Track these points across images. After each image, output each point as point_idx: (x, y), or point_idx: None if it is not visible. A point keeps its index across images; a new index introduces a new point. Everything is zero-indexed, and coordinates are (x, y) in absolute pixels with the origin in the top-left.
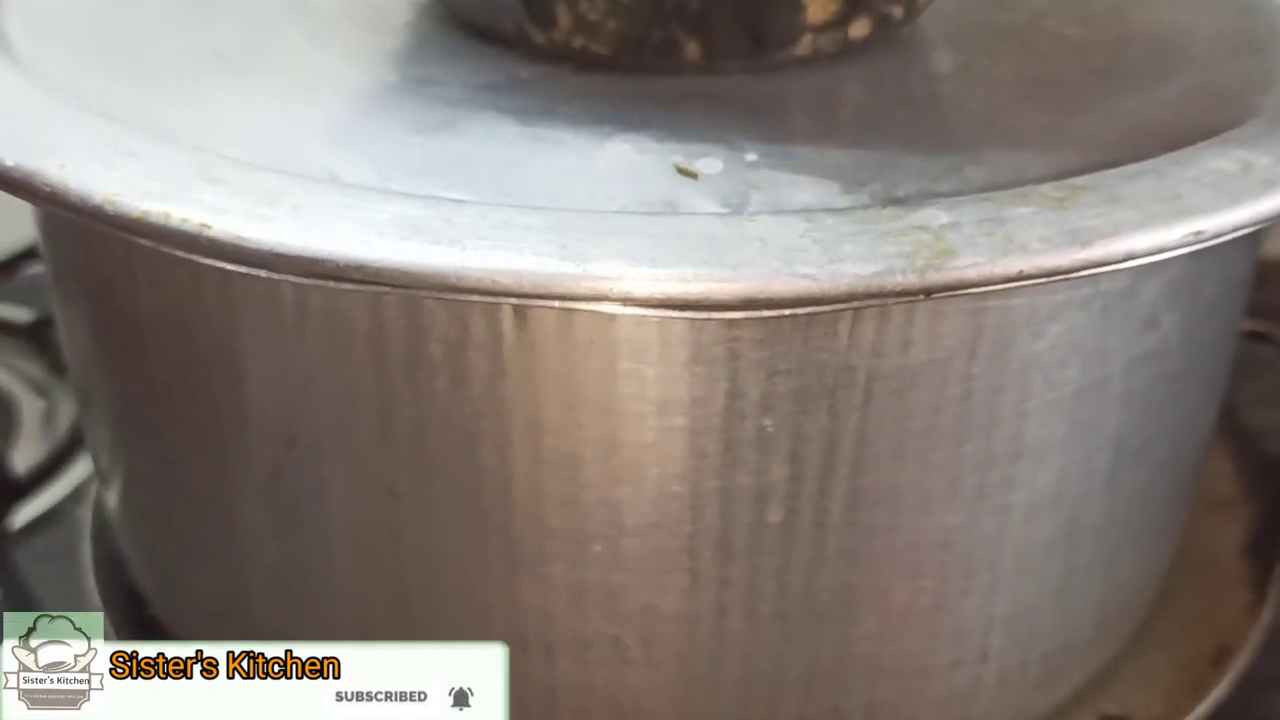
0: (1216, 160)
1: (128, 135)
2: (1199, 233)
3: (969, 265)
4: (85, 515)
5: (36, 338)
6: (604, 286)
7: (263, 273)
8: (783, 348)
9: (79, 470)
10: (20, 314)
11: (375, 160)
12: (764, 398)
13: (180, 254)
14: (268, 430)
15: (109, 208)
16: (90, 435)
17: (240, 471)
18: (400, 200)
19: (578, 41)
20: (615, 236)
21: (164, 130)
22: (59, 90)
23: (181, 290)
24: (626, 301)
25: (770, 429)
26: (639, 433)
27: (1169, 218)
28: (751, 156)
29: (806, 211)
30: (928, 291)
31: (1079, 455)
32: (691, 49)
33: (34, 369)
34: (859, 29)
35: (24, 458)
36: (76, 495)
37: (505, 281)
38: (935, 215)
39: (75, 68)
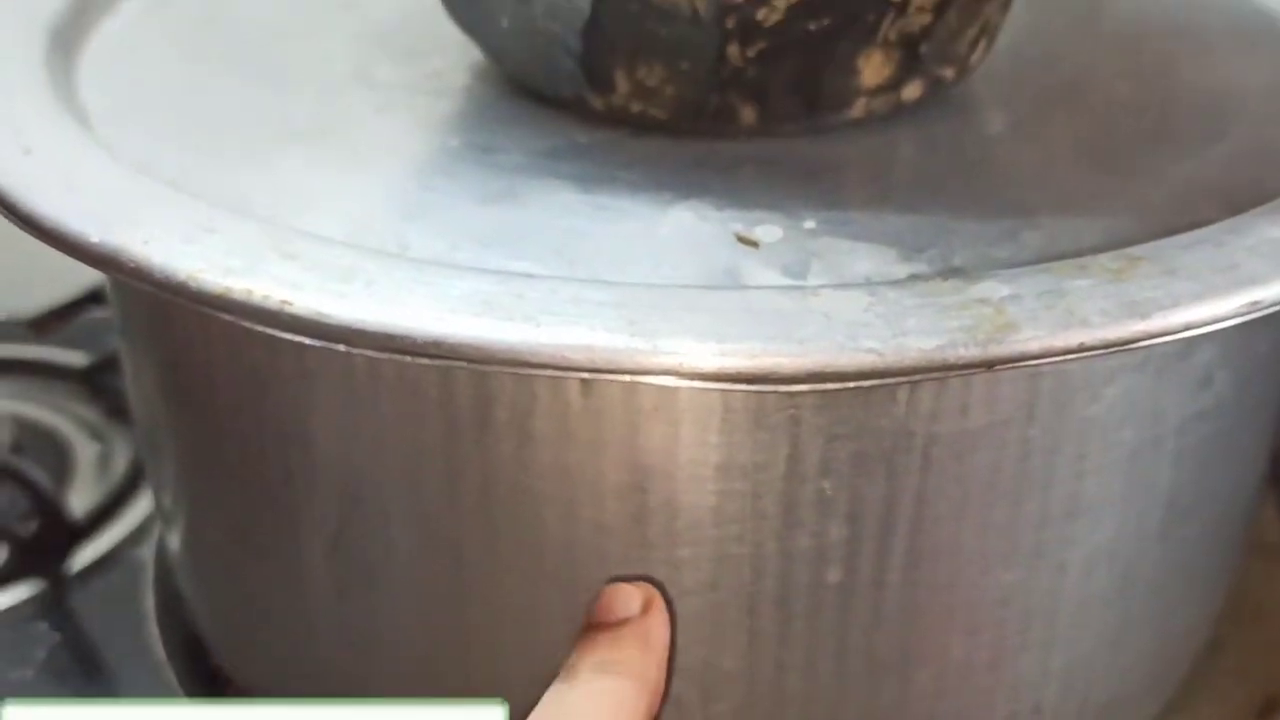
0: (1272, 228)
1: (206, 210)
2: (1256, 303)
3: (1030, 339)
4: (144, 558)
5: (92, 382)
6: (673, 362)
7: (341, 347)
8: (843, 413)
9: (135, 514)
10: (76, 358)
11: (444, 231)
12: (823, 461)
13: (261, 329)
14: (336, 491)
15: (192, 284)
16: (155, 483)
17: (308, 530)
18: (472, 275)
19: (635, 106)
20: (683, 311)
21: (240, 203)
22: (136, 163)
23: (257, 355)
24: (694, 376)
25: (829, 491)
26: (700, 496)
27: (1226, 289)
28: (810, 223)
29: (869, 284)
30: (989, 364)
31: (1134, 512)
32: (747, 114)
33: (89, 413)
34: (911, 92)
35: (80, 502)
36: (134, 539)
37: (577, 358)
38: (995, 288)
39: (151, 140)
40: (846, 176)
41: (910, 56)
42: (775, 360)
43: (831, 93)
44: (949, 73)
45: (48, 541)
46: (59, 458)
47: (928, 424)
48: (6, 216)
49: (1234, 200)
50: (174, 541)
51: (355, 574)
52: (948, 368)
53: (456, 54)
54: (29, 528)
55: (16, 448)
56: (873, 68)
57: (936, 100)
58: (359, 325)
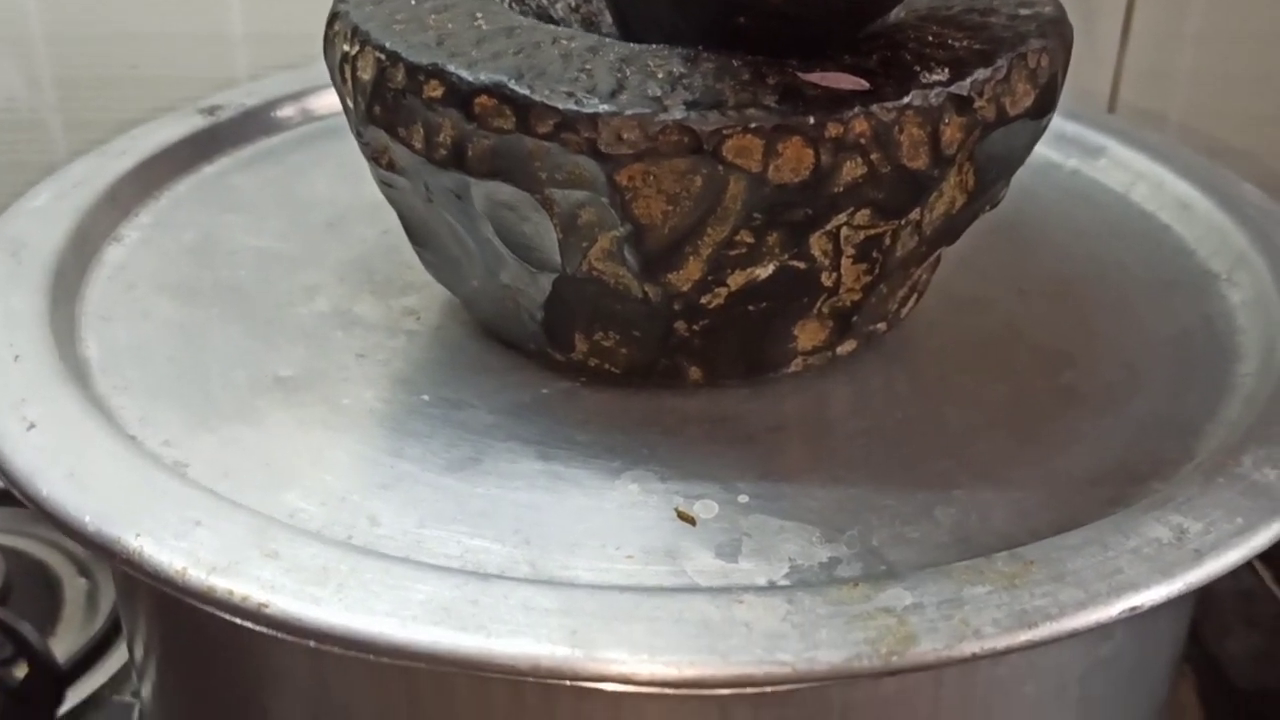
0: (1155, 527)
1: (196, 501)
2: (1135, 608)
3: (928, 651)
4: (127, 703)
5: None
6: (609, 670)
7: (312, 643)
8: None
9: (121, 656)
10: None
11: (413, 505)
12: None
13: (241, 622)
14: None
15: (179, 580)
16: (136, 677)
17: None
18: (432, 578)
19: (593, 362)
20: (620, 621)
21: (229, 475)
22: (134, 421)
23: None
24: (628, 682)
25: None
26: None
27: (1108, 596)
28: (744, 498)
29: (789, 591)
30: (891, 673)
31: None
32: (694, 372)
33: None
34: (846, 348)
35: (68, 643)
36: (118, 684)
37: (523, 667)
38: (900, 595)
39: (147, 398)
40: (782, 440)
41: (843, 324)
42: (700, 672)
43: (770, 356)
44: (881, 327)
45: (36, 690)
46: (48, 594)
47: (844, 693)
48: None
49: (1134, 471)
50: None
51: None
52: (852, 675)
53: (431, 289)
54: (16, 675)
55: (6, 587)
56: (808, 334)
57: (871, 347)
58: (329, 629)
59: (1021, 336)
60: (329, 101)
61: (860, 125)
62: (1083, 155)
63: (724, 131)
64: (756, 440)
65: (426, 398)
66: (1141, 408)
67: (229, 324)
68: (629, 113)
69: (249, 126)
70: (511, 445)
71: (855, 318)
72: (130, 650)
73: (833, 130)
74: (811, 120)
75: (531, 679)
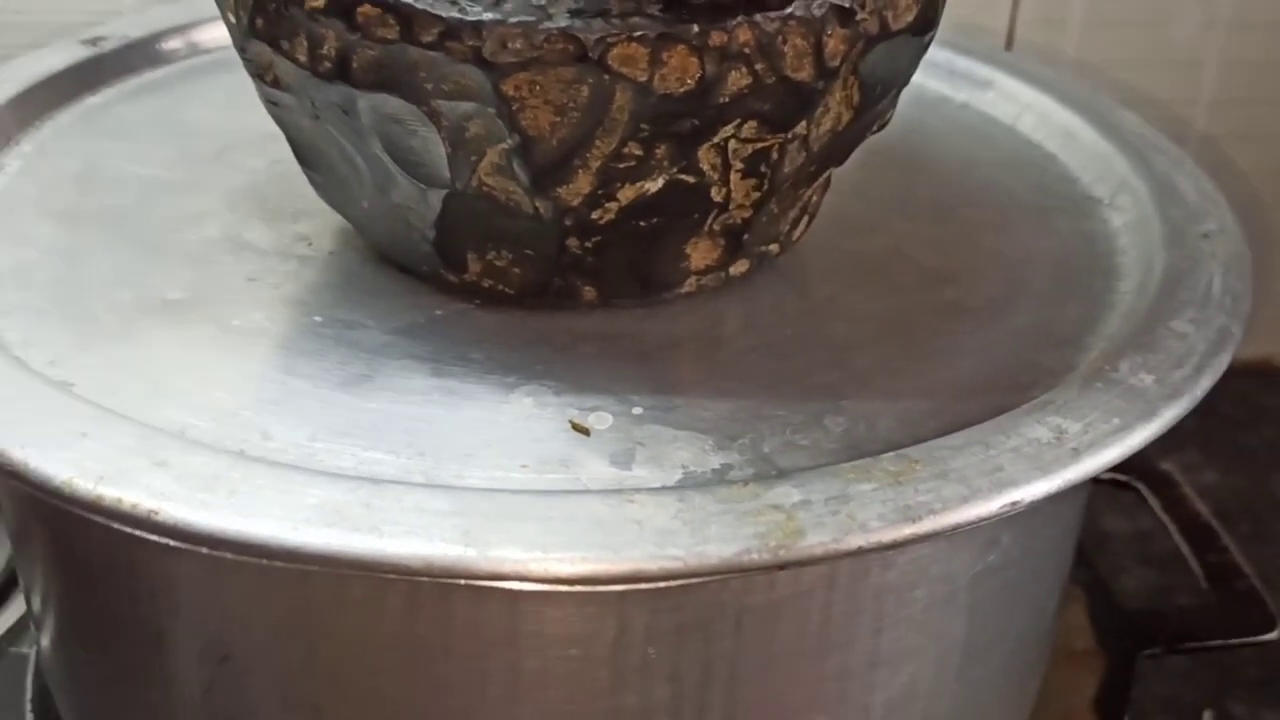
0: (1035, 428)
1: (81, 413)
2: (1015, 503)
3: (815, 544)
4: (23, 654)
5: None
6: (503, 569)
7: (204, 550)
8: (665, 590)
9: (17, 608)
10: None
11: (305, 420)
12: (648, 630)
13: (130, 531)
14: (204, 651)
15: (66, 490)
16: (35, 626)
17: (177, 687)
18: (325, 482)
19: (486, 283)
20: (513, 521)
21: (115, 394)
22: (18, 342)
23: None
24: (522, 579)
25: (653, 655)
26: (537, 661)
27: (989, 491)
28: (638, 410)
29: (680, 490)
30: (780, 566)
31: (930, 658)
32: (588, 292)
33: None
34: (739, 268)
35: None
36: (14, 635)
37: (416, 566)
38: (789, 493)
39: (32, 317)
40: (676, 356)
41: (735, 243)
42: (593, 568)
43: (664, 274)
44: (773, 249)
45: None
46: None
47: (739, 597)
48: None
49: (1017, 380)
50: (50, 663)
51: None
52: (743, 570)
53: (324, 216)
54: None
55: None
56: (700, 253)
57: (764, 269)
58: (220, 534)
59: (909, 258)
60: (216, 34)
61: (744, 34)
62: (973, 88)
63: (608, 39)
64: (650, 357)
65: (319, 319)
66: (1024, 322)
67: (114, 248)
68: (513, 20)
69: (133, 58)
70: (405, 363)
71: (746, 236)
72: (28, 600)
73: (716, 39)
74: (695, 29)
75: (425, 579)
